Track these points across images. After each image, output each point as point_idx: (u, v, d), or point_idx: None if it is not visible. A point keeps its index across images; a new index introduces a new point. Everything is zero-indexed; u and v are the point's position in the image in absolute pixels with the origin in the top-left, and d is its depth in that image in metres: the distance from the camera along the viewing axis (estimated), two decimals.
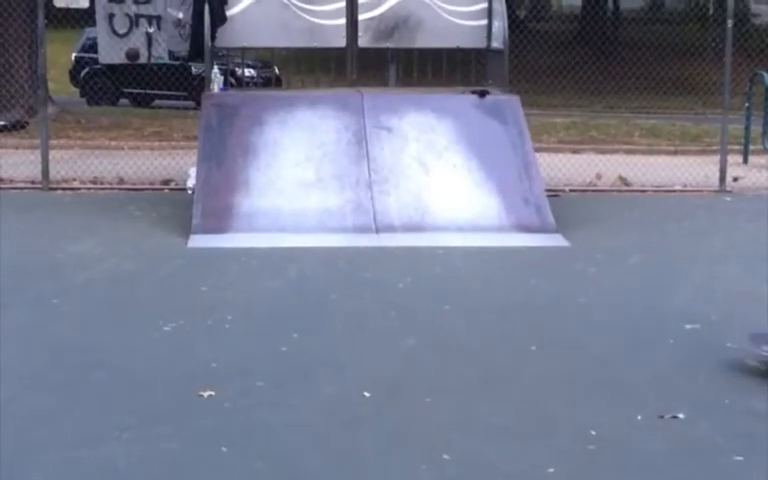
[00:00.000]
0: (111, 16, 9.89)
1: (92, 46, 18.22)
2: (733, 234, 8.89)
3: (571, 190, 10.82)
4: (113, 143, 14.06)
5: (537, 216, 8.50)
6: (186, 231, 8.09)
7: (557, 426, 4.42)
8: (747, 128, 13.61)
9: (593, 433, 4.32)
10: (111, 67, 19.10)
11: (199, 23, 9.44)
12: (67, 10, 10.76)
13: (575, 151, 13.52)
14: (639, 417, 4.51)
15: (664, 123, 18.36)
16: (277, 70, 21.64)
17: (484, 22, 10.08)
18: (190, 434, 4.25)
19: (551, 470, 3.96)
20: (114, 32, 9.94)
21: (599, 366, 5.23)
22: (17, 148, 13.03)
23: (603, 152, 13.54)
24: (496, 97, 9.40)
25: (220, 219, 8.18)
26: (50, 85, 12.95)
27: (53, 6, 10.57)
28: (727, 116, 11.14)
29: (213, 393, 4.68)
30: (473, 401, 4.71)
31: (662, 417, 4.51)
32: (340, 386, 4.86)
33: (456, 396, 4.76)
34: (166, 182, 10.67)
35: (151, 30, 9.92)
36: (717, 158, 11.28)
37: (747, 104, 13.59)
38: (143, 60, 10.19)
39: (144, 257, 7.53)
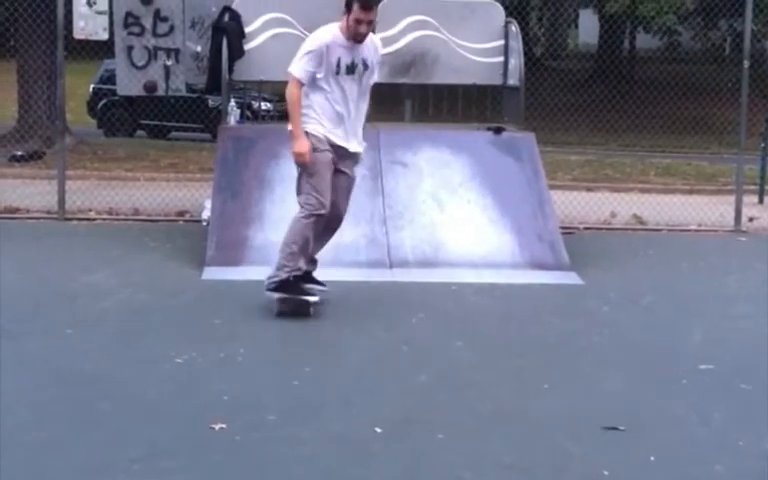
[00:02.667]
0: (130, 48, 9.98)
1: (110, 78, 18.40)
2: (748, 274, 8.86)
3: (585, 228, 10.81)
4: (129, 174, 14.14)
5: (551, 253, 8.48)
6: (200, 263, 8.11)
7: (569, 465, 4.39)
8: (763, 168, 13.62)
9: (606, 473, 4.29)
10: (129, 99, 19.25)
11: (217, 56, 9.51)
12: (86, 42, 10.84)
13: (590, 189, 13.52)
14: (652, 458, 4.48)
15: (679, 162, 18.37)
16: None
17: (500, 59, 10.09)
18: (201, 466, 4.25)
19: None
20: (133, 64, 10.02)
21: (612, 405, 5.20)
22: (34, 178, 13.11)
23: (618, 190, 13.54)
24: (511, 134, 9.42)
25: (234, 251, 8.19)
26: (68, 116, 13.04)
27: (72, 38, 10.67)
28: (743, 156, 11.13)
29: (224, 426, 4.67)
30: (485, 438, 4.69)
31: (676, 458, 4.48)
32: (351, 421, 4.85)
33: (468, 433, 4.74)
34: (181, 214, 10.71)
35: (169, 63, 9.99)
36: (732, 198, 11.26)
37: (763, 144, 13.60)
38: (161, 92, 10.27)
39: (158, 288, 7.54)
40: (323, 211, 6.72)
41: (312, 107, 6.69)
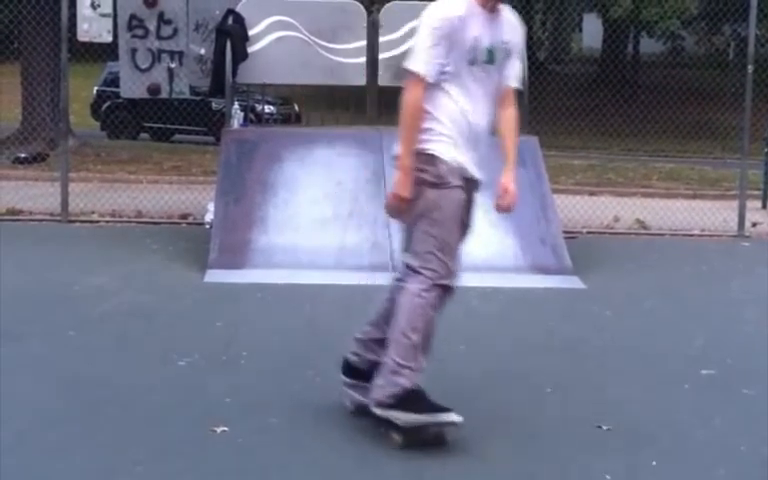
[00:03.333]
0: (134, 51, 10.01)
1: (114, 80, 18.44)
2: (751, 279, 8.85)
3: (588, 232, 10.81)
4: (132, 177, 14.16)
5: (554, 257, 8.48)
6: (203, 266, 8.11)
7: (571, 470, 4.39)
8: (766, 173, 13.60)
9: (608, 477, 4.28)
10: (132, 101, 19.30)
11: (221, 59, 9.52)
12: (90, 44, 10.87)
13: (593, 193, 13.52)
14: (654, 463, 4.47)
15: (683, 167, 18.37)
16: (297, 107, 21.71)
17: None
18: (203, 470, 4.24)
19: None
20: (136, 66, 10.06)
21: (614, 410, 5.19)
22: (37, 180, 13.13)
23: (621, 195, 13.55)
24: None
25: (237, 254, 8.20)
26: (71, 118, 13.07)
27: (76, 40, 10.69)
28: (746, 161, 11.12)
29: (226, 429, 4.67)
30: (487, 443, 4.68)
31: (678, 463, 4.48)
32: (354, 424, 4.84)
33: (470, 437, 4.73)
34: (184, 216, 10.72)
35: (173, 65, 10.02)
36: (736, 203, 11.25)
37: (766, 149, 13.59)
38: (164, 95, 10.29)
39: (160, 291, 7.55)
40: (451, 281, 4.48)
41: (437, 118, 4.46)
